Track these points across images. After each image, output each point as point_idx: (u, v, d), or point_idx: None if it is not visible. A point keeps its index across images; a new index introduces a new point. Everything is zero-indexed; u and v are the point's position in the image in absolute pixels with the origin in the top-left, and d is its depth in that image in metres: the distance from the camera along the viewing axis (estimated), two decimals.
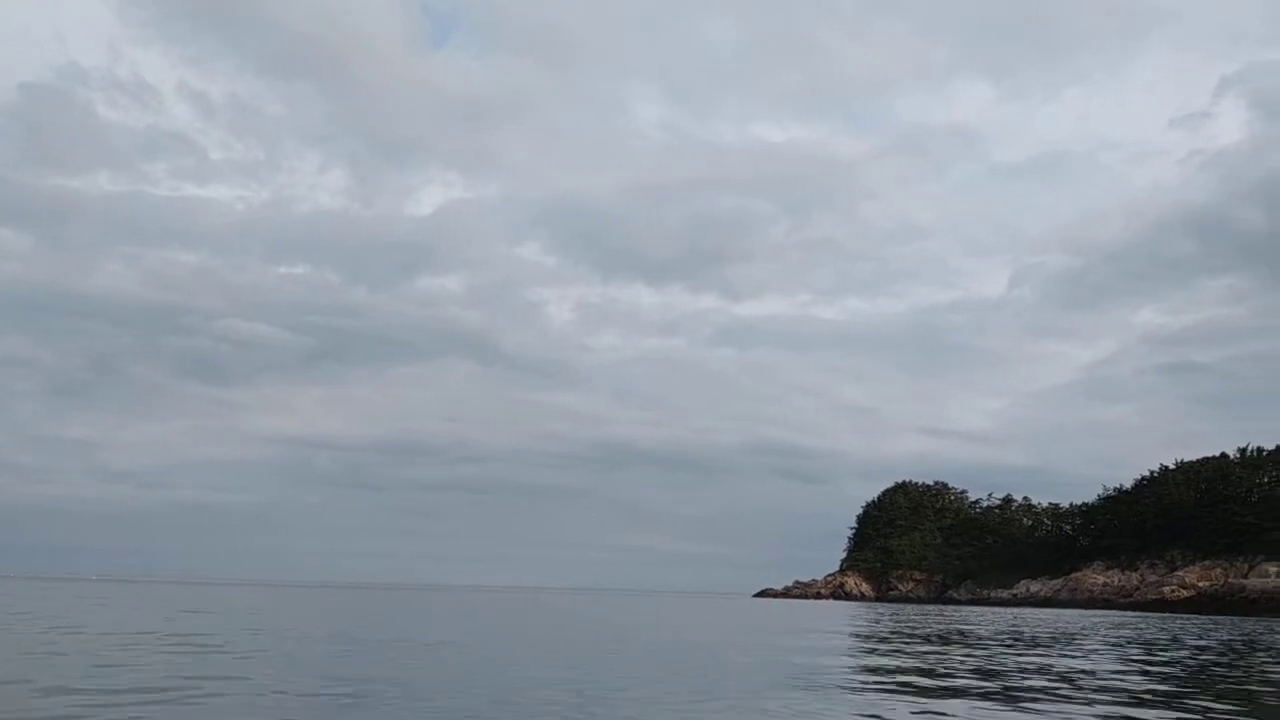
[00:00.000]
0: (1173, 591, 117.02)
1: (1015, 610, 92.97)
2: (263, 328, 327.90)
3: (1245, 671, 18.53)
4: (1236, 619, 65.44)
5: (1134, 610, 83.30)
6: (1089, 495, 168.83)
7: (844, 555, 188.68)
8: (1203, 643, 29.29)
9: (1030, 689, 13.95)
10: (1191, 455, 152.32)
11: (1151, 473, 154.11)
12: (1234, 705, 12.73)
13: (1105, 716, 11.19)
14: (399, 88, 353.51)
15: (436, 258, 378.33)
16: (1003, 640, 28.52)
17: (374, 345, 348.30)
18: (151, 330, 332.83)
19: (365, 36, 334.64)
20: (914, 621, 44.75)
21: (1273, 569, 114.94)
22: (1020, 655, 21.60)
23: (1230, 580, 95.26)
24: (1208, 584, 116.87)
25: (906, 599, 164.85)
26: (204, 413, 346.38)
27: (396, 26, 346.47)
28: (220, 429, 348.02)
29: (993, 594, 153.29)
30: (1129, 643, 28.48)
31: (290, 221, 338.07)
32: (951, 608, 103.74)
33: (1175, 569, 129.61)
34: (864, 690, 13.44)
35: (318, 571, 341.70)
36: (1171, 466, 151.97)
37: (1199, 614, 72.61)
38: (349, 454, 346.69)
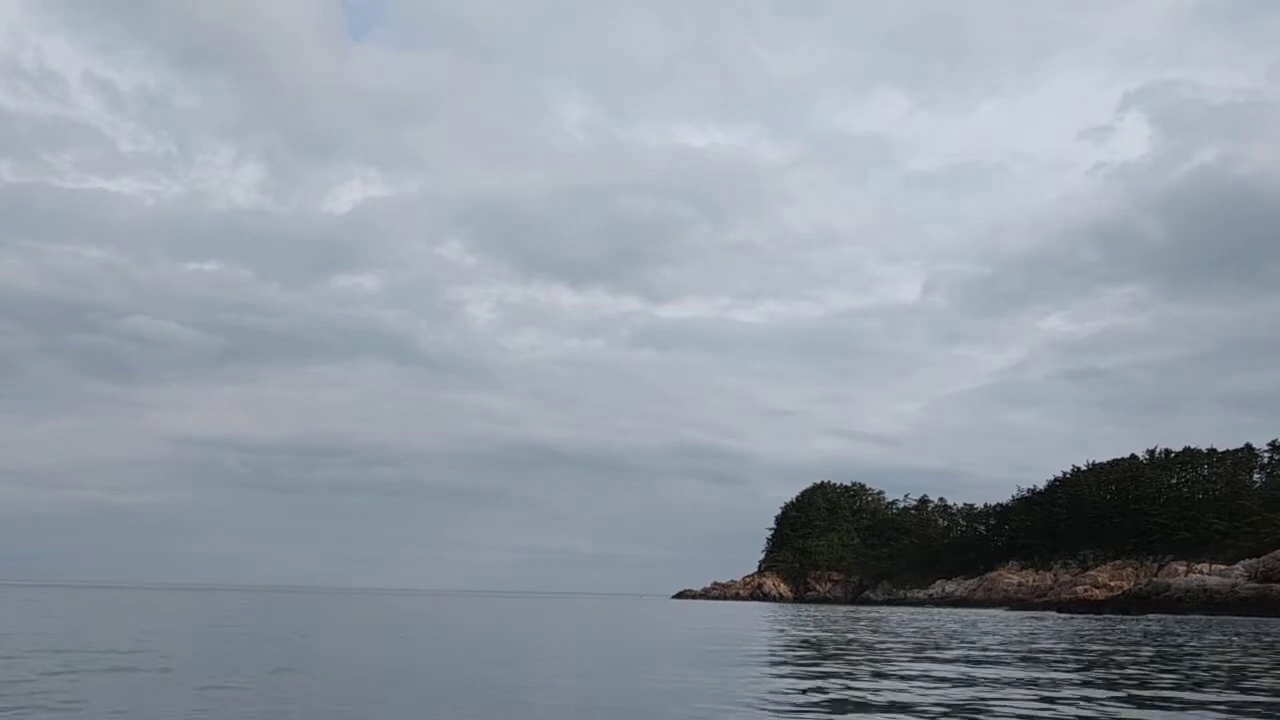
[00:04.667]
0: (1085, 591, 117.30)
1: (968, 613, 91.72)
2: (171, 325, 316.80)
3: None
4: (1166, 617, 64.58)
5: (1059, 611, 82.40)
6: (999, 496, 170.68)
7: (762, 556, 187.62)
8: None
9: None
10: (1096, 458, 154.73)
11: (1064, 474, 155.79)
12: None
13: None
14: (316, 82, 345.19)
15: (354, 256, 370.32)
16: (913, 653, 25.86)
17: (287, 344, 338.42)
18: (54, 327, 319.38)
19: (281, 28, 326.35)
20: (828, 625, 42.32)
21: (1181, 568, 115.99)
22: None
23: (1155, 579, 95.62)
24: (1120, 583, 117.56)
25: (824, 599, 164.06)
26: (109, 412, 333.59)
27: (314, 19, 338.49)
28: (126, 428, 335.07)
29: (909, 594, 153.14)
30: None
31: (202, 217, 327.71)
32: (866, 608, 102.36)
33: (1087, 569, 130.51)
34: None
35: (225, 574, 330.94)
36: (1084, 468, 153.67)
37: (1125, 613, 71.68)
38: (259, 455, 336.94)
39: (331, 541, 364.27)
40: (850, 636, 29.50)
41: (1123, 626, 44.08)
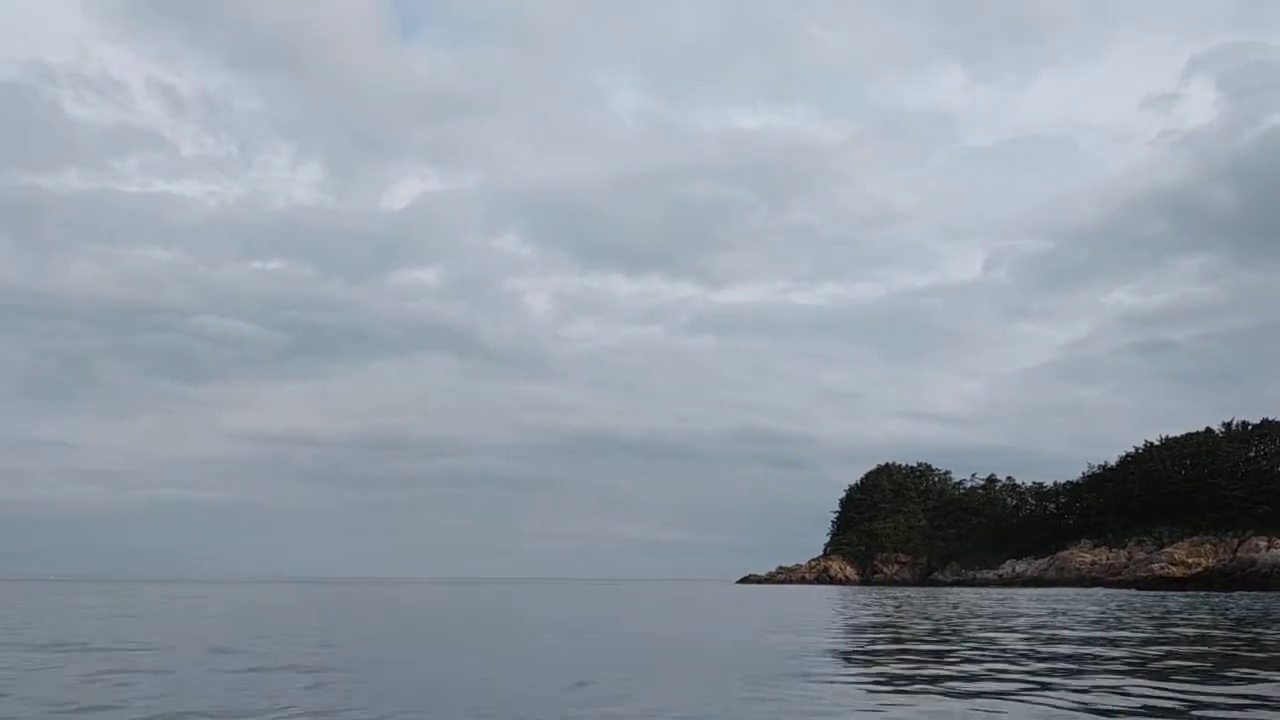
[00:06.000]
0: (1162, 568, 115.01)
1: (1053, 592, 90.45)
2: (237, 324, 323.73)
3: None
4: (1262, 594, 62.74)
5: (1139, 588, 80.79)
6: (1068, 474, 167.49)
7: (827, 539, 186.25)
8: None
9: None
10: (1167, 432, 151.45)
11: (1136, 449, 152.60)
12: None
13: None
14: (371, 80, 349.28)
15: (412, 250, 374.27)
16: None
17: (350, 339, 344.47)
18: (125, 329, 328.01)
19: (335, 29, 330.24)
20: (908, 609, 41.93)
21: (1262, 543, 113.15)
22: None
23: (1236, 555, 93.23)
24: (1197, 560, 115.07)
25: (891, 581, 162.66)
26: (179, 410, 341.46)
27: (366, 19, 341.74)
28: (196, 427, 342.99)
29: (978, 575, 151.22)
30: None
31: (264, 216, 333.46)
32: (938, 590, 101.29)
33: (1163, 545, 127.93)
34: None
35: (297, 568, 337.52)
36: (1156, 443, 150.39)
37: (1209, 590, 70.03)
38: (326, 450, 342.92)
39: (397, 534, 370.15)
40: (959, 623, 29.19)
41: (1228, 603, 42.98)
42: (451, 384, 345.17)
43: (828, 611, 35.18)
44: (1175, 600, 48.25)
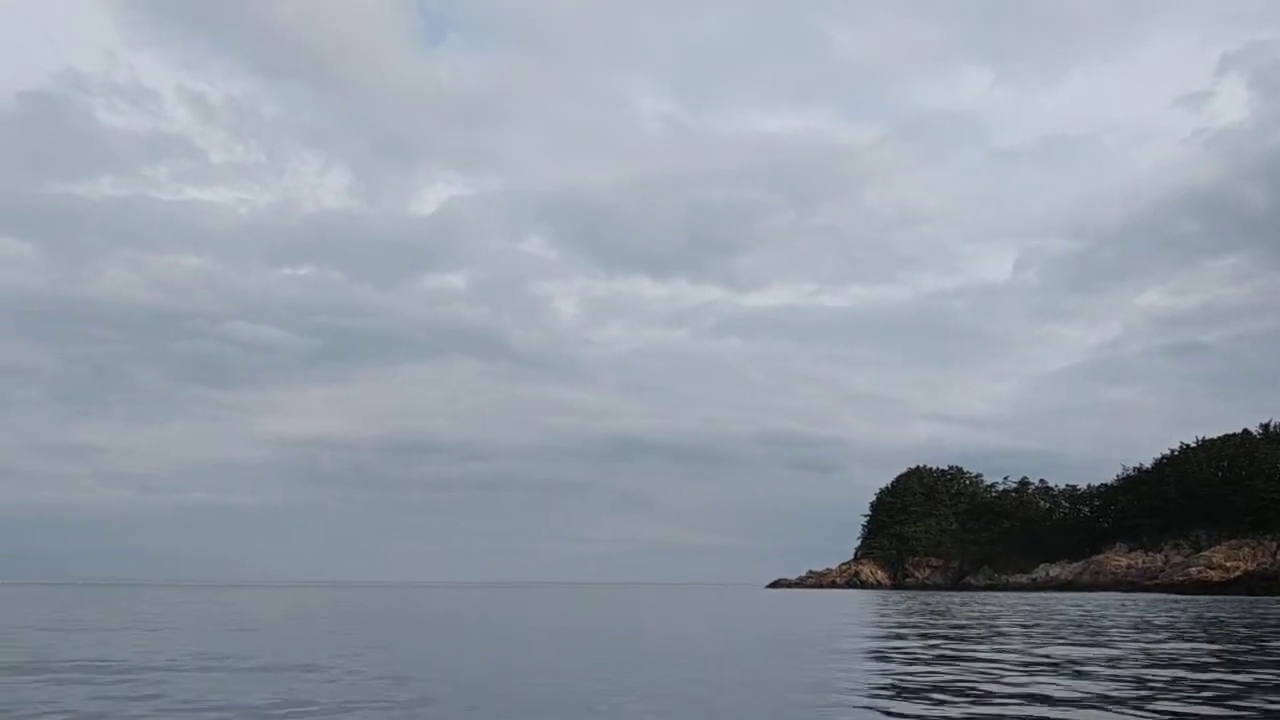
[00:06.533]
0: (1200, 572, 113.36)
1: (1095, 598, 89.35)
2: (267, 329, 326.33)
3: None
4: None
5: (1178, 593, 79.54)
6: (1099, 477, 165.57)
7: (858, 543, 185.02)
8: None
9: None
10: (1201, 434, 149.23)
11: (1171, 451, 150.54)
12: None
13: None
14: (396, 86, 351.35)
15: (440, 255, 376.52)
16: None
17: (379, 344, 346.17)
18: (156, 334, 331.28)
19: (360, 36, 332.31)
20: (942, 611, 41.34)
21: None
22: None
23: (1277, 557, 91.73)
24: (1236, 563, 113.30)
25: (923, 586, 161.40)
26: (209, 415, 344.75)
27: (391, 25, 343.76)
28: (226, 431, 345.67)
29: (1011, 579, 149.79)
30: None
31: (293, 223, 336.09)
32: (971, 594, 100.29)
33: (1200, 549, 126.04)
34: None
35: (327, 572, 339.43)
36: (1192, 445, 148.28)
37: (1251, 595, 68.93)
38: (355, 453, 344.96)
39: (426, 537, 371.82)
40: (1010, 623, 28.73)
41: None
42: (479, 387, 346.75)
43: (891, 616, 34.71)
44: (1227, 605, 47.35)
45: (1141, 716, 9.85)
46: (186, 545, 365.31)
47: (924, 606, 46.91)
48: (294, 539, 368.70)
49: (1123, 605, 49.81)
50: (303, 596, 67.37)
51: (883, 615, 37.03)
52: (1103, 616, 33.19)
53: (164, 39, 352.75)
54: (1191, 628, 26.33)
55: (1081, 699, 11.08)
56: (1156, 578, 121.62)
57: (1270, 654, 17.45)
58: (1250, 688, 12.23)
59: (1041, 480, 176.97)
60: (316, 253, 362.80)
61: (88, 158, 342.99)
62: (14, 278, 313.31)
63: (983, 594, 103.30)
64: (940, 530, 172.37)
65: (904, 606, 48.98)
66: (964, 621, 29.81)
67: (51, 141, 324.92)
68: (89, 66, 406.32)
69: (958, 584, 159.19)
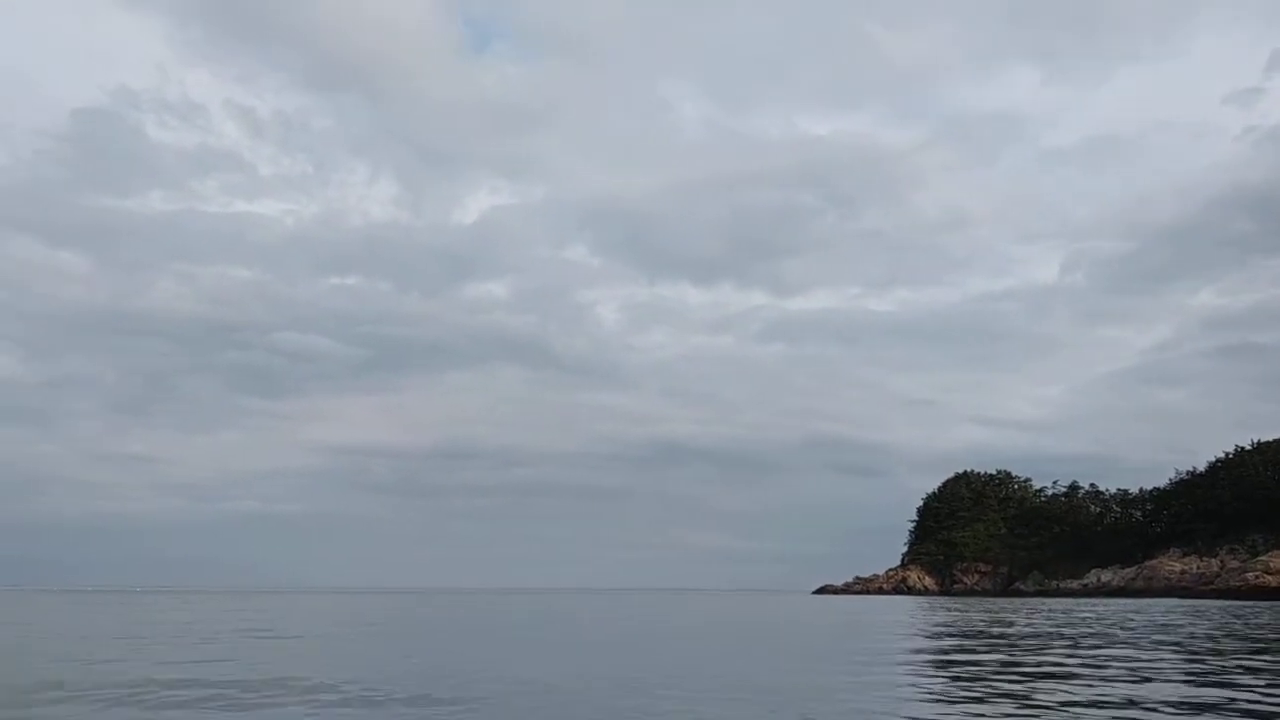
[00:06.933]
0: (1257, 578, 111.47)
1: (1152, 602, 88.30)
2: (315, 339, 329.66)
3: None
4: None
5: (1235, 599, 78.46)
6: (1150, 481, 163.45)
7: (905, 549, 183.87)
8: None
9: None
10: (1256, 437, 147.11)
11: (1227, 454, 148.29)
12: None
13: None
14: (441, 96, 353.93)
15: (484, 264, 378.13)
16: None
17: (425, 353, 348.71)
18: (207, 346, 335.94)
19: (406, 48, 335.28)
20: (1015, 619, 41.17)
21: None
22: None
23: None
24: None
25: (971, 592, 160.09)
26: (260, 425, 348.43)
27: (436, 36, 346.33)
28: (277, 441, 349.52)
29: (1062, 585, 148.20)
30: None
31: (340, 234, 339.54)
32: (1028, 600, 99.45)
33: (1257, 554, 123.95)
34: None
35: (373, 578, 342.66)
36: (1248, 447, 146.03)
37: None
38: (402, 461, 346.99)
39: (472, 543, 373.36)
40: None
41: None
42: (524, 395, 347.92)
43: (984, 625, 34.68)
44: None
45: None
46: (237, 553, 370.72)
47: (1000, 616, 46.73)
48: (343, 546, 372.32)
49: (1196, 613, 49.41)
50: (381, 603, 68.44)
51: (955, 619, 37.03)
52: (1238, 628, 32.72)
53: (215, 54, 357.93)
54: None
55: None
56: (1212, 583, 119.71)
57: None
58: None
59: (1092, 484, 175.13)
60: (363, 263, 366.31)
61: (139, 173, 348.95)
62: (72, 292, 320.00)
63: (1039, 600, 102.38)
64: (989, 535, 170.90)
65: (974, 616, 48.80)
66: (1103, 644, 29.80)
67: (105, 157, 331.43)
68: (140, 83, 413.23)
69: (1007, 590, 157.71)
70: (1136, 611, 50.61)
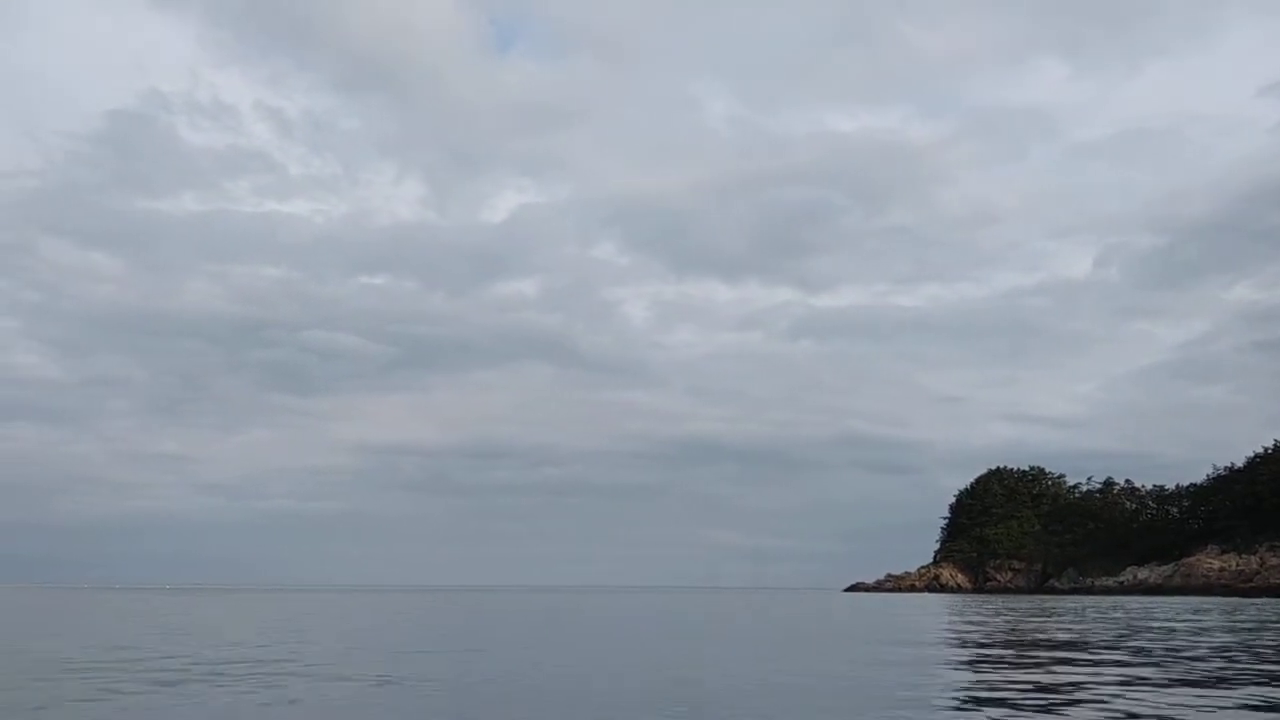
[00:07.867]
0: None
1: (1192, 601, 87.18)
2: (345, 337, 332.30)
3: None
4: None
5: (1273, 596, 77.31)
6: (1190, 477, 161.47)
7: (937, 546, 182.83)
8: None
9: None
10: None
11: (1265, 450, 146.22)
12: None
13: None
14: (468, 96, 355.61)
15: (512, 262, 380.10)
16: None
17: (453, 351, 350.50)
18: (238, 344, 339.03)
19: (433, 48, 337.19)
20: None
21: None
22: None
23: None
24: None
25: (1005, 589, 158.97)
26: (291, 423, 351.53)
27: (463, 36, 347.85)
28: (306, 439, 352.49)
29: (1097, 582, 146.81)
30: None
31: (369, 233, 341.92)
32: (1063, 598, 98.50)
33: None
34: None
35: (404, 576, 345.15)
36: None
37: None
38: (432, 459, 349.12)
39: (503, 542, 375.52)
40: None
41: None
42: (552, 393, 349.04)
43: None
44: None
45: None
46: (269, 551, 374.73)
47: (1059, 618, 46.12)
48: (374, 544, 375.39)
49: (1260, 611, 48.66)
50: (394, 602, 68.72)
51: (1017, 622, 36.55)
52: None
53: (245, 57, 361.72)
54: None
55: None
56: (1251, 580, 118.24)
57: None
58: None
59: (1127, 480, 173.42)
60: (392, 262, 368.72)
61: (171, 174, 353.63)
62: (107, 292, 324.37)
63: (1078, 597, 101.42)
64: (1022, 532, 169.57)
65: (1027, 621, 48.16)
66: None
67: (137, 159, 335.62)
68: (172, 85, 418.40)
69: (1041, 587, 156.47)
70: (1195, 612, 49.83)
